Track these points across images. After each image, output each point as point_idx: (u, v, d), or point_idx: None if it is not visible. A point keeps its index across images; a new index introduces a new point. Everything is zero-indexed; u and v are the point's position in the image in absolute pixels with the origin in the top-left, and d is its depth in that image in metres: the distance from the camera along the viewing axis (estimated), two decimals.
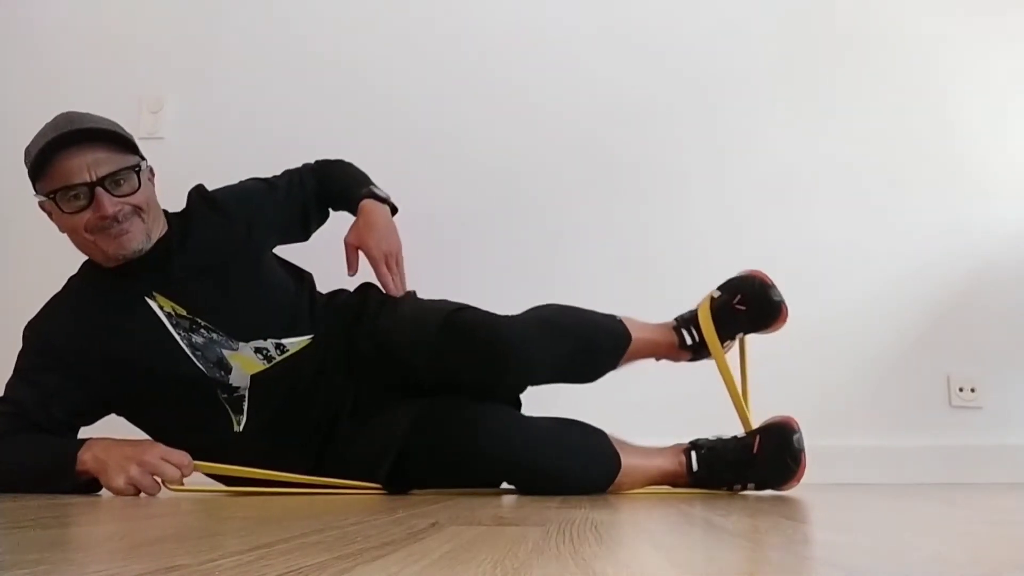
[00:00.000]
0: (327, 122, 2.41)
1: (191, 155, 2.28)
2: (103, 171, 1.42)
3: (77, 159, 1.40)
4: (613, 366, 1.61)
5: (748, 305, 1.59)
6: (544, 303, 1.62)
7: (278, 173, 1.78)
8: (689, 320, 1.64)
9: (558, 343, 1.52)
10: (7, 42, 2.58)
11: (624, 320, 1.61)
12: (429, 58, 2.44)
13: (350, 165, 1.83)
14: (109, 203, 1.42)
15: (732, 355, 1.65)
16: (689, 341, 1.62)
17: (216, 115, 2.44)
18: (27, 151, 1.44)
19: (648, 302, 2.24)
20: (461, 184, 2.38)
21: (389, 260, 1.63)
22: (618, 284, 2.30)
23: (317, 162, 1.84)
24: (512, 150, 2.39)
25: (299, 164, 1.83)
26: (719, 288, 1.65)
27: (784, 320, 1.59)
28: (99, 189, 1.42)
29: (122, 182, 1.45)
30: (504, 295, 2.23)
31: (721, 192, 2.35)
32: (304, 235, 1.78)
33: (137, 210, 1.46)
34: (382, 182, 2.31)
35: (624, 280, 2.30)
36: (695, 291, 2.25)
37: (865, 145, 2.35)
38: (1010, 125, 2.34)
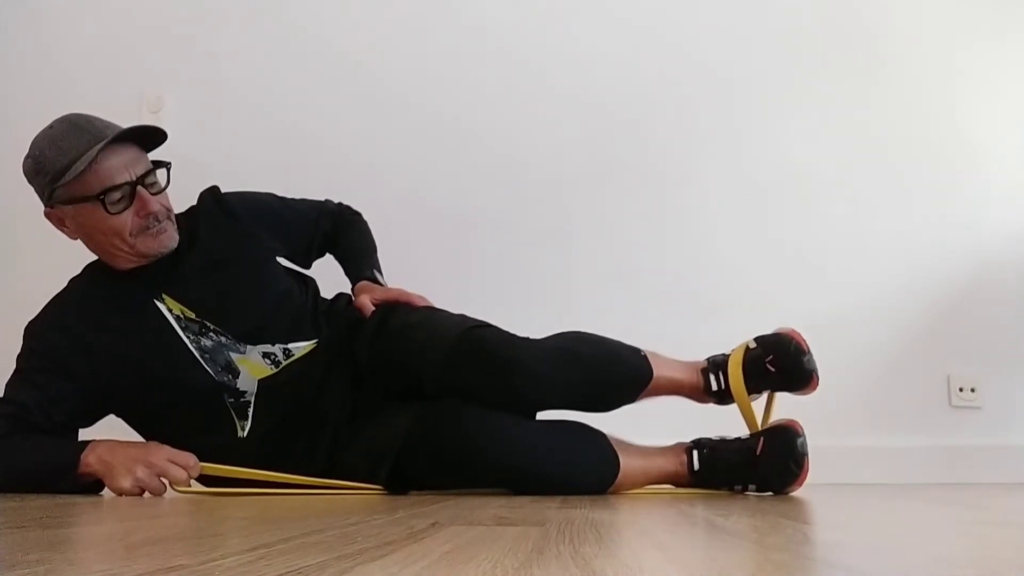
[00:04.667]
0: (328, 122, 2.41)
1: (191, 155, 2.28)
2: (140, 170, 1.44)
3: (116, 159, 1.42)
4: (631, 400, 1.58)
5: (778, 367, 1.55)
6: (569, 330, 1.60)
7: (296, 196, 1.80)
8: (719, 365, 1.60)
9: (575, 373, 1.50)
10: (8, 42, 2.58)
11: (649, 356, 1.58)
12: (435, 57, 2.44)
13: (367, 230, 1.84)
14: (152, 201, 1.44)
15: (757, 405, 1.61)
16: (715, 387, 1.58)
17: (216, 115, 2.44)
18: (51, 156, 1.40)
19: (652, 298, 2.27)
20: (466, 185, 2.37)
21: (400, 295, 1.65)
22: (622, 282, 2.30)
23: (340, 207, 1.85)
24: (522, 150, 2.39)
25: (313, 182, 1.86)
26: (756, 340, 1.59)
27: (814, 387, 1.55)
28: (140, 188, 1.44)
29: (154, 181, 1.48)
30: (509, 296, 2.25)
31: (724, 191, 2.35)
32: (305, 262, 1.79)
33: (168, 210, 1.50)
34: (385, 184, 2.32)
35: (630, 279, 2.31)
36: (695, 290, 2.27)
37: (867, 145, 2.35)
38: (1011, 126, 2.34)
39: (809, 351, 1.56)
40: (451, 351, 1.47)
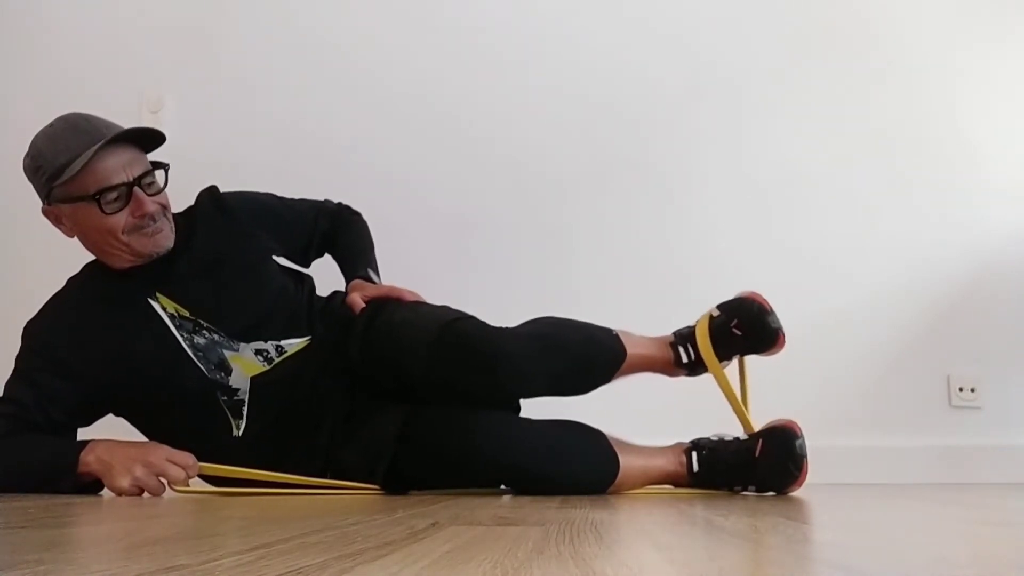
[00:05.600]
0: (328, 122, 2.41)
1: (191, 155, 2.28)
2: (137, 171, 1.45)
3: (113, 159, 1.42)
4: (607, 380, 1.60)
5: (744, 330, 1.58)
6: (542, 315, 1.61)
7: (296, 196, 1.81)
8: (687, 337, 1.63)
9: (553, 358, 1.52)
10: (8, 42, 2.58)
11: (621, 335, 1.60)
12: (435, 57, 2.43)
13: (365, 230, 1.84)
14: (148, 201, 1.45)
15: (731, 372, 1.63)
16: (685, 359, 1.61)
17: (216, 115, 2.44)
18: (49, 155, 1.41)
19: (651, 298, 2.27)
20: (466, 185, 2.37)
21: (390, 292, 1.65)
22: (622, 282, 2.30)
23: (339, 207, 1.85)
24: (522, 150, 2.39)
25: (314, 184, 1.88)
26: (719, 307, 1.63)
27: (781, 346, 1.59)
28: (136, 188, 1.44)
29: (152, 182, 1.48)
30: (509, 296, 2.25)
31: (724, 191, 2.35)
32: (304, 262, 1.80)
33: (164, 209, 1.50)
34: (385, 184, 2.32)
35: (630, 279, 2.31)
36: (696, 288, 2.26)
37: (867, 145, 2.35)
38: (1011, 126, 2.34)
39: (772, 310, 1.59)
40: (432, 346, 1.48)
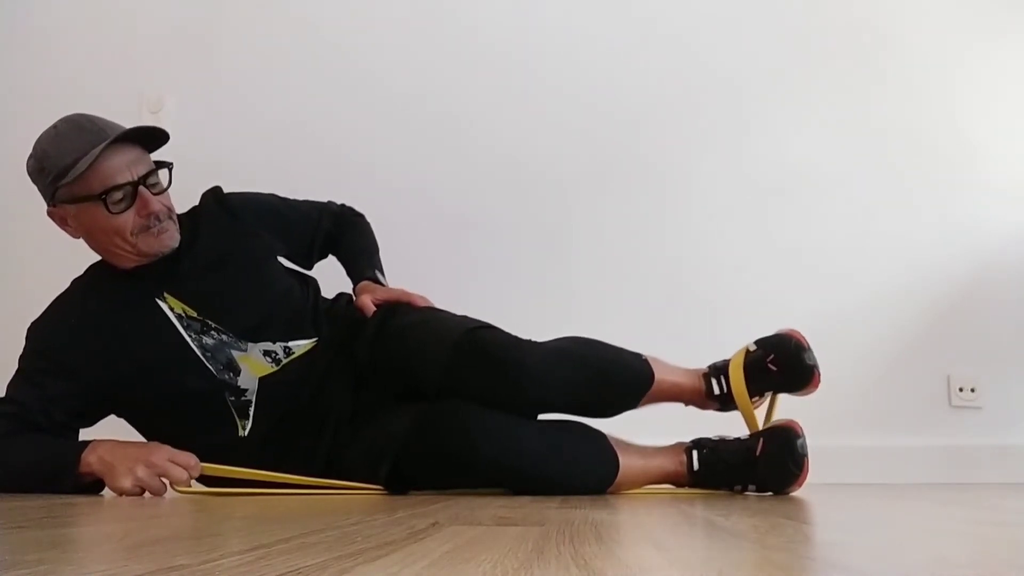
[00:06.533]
0: (329, 122, 2.41)
1: (191, 155, 2.28)
2: (141, 170, 1.45)
3: (117, 159, 1.42)
4: (633, 405, 1.58)
5: (780, 366, 1.55)
6: (571, 335, 1.60)
7: (297, 197, 1.81)
8: (721, 370, 1.60)
9: (577, 375, 1.50)
10: (7, 42, 2.58)
11: (650, 360, 1.58)
12: (435, 57, 2.43)
13: (369, 231, 1.84)
14: (153, 201, 1.45)
15: (760, 412, 1.61)
16: (717, 391, 1.59)
17: (216, 115, 2.44)
18: (53, 156, 1.41)
19: (651, 298, 2.27)
20: (466, 185, 2.37)
21: (401, 295, 1.65)
22: (622, 282, 2.30)
23: (342, 208, 1.86)
24: (522, 150, 2.38)
25: (319, 189, 1.88)
26: (756, 342, 1.60)
27: (816, 385, 1.55)
28: (142, 188, 1.44)
29: (156, 182, 1.49)
30: (509, 296, 2.25)
31: (724, 191, 2.35)
32: (307, 263, 1.80)
33: (168, 209, 1.51)
34: (386, 184, 2.32)
35: (630, 279, 2.31)
36: (695, 288, 2.27)
37: (867, 145, 2.35)
38: (1011, 126, 2.34)
39: (809, 348, 1.56)
40: (452, 352, 1.47)
